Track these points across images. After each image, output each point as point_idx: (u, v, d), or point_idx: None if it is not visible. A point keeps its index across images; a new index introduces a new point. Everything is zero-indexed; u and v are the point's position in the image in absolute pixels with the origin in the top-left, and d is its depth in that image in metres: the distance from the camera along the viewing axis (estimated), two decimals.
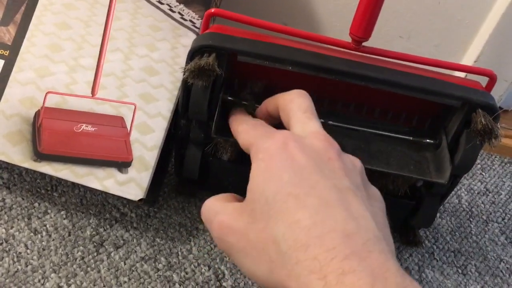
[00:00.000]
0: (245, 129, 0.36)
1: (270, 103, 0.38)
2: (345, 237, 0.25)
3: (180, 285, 0.44)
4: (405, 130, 0.45)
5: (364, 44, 0.41)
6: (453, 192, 0.55)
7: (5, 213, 0.46)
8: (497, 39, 0.60)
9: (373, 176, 0.45)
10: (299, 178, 0.28)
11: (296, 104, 0.35)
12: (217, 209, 0.32)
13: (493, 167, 0.63)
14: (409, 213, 0.49)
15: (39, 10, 0.48)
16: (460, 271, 0.51)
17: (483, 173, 0.62)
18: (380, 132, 0.44)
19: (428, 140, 0.44)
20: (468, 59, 0.63)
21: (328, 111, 0.44)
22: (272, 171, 0.29)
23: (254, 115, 0.42)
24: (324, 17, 0.64)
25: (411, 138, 0.44)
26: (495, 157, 0.65)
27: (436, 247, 0.52)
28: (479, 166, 0.63)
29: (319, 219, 0.26)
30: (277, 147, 0.30)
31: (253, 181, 0.30)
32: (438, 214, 0.54)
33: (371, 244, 0.25)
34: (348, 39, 0.41)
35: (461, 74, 0.57)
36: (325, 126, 0.43)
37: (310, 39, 0.42)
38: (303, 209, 0.27)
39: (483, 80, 0.42)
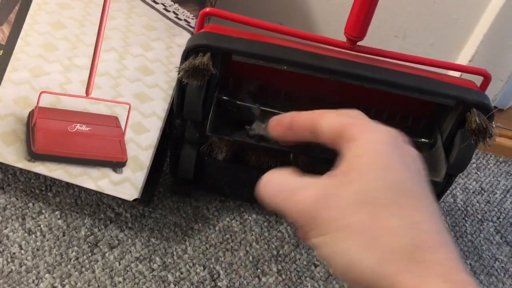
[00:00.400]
0: (328, 113, 0.32)
1: (306, 120, 0.33)
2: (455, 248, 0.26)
3: (175, 285, 0.44)
4: (400, 129, 0.45)
5: (359, 43, 0.41)
6: (448, 191, 0.55)
7: None
8: (491, 38, 0.60)
9: None
10: (415, 178, 0.28)
11: (351, 115, 0.32)
12: (296, 184, 0.29)
13: (488, 166, 0.63)
14: None
15: (33, 9, 0.48)
16: None
17: (478, 172, 0.62)
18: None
19: (423, 140, 0.44)
20: (463, 59, 0.63)
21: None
22: (386, 160, 0.27)
23: (254, 119, 0.42)
24: (320, 16, 0.64)
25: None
26: (490, 156, 0.65)
27: None
28: (474, 165, 0.63)
29: (438, 225, 0.27)
30: (389, 138, 0.29)
31: (363, 161, 0.27)
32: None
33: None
34: (343, 38, 0.41)
35: (456, 74, 0.57)
36: None
37: (305, 39, 0.42)
38: (422, 211, 0.26)
39: (478, 80, 0.42)
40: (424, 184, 0.28)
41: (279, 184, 0.30)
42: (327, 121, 0.31)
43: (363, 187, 0.27)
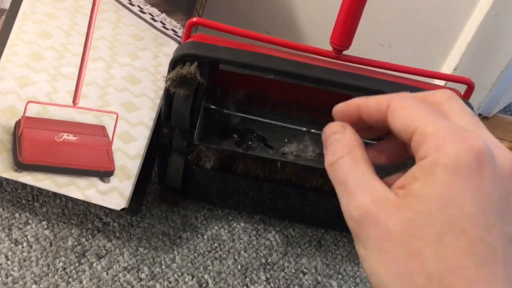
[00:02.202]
0: (405, 103, 0.27)
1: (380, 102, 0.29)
2: None
3: None
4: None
5: (344, 52, 0.42)
6: None
7: None
8: (475, 47, 0.61)
9: None
10: (479, 215, 0.24)
11: (459, 103, 0.27)
12: (362, 181, 0.26)
13: None
14: None
15: (20, 19, 0.48)
16: None
17: None
18: (364, 141, 0.44)
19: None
20: (447, 67, 0.64)
21: (310, 119, 0.45)
22: (453, 190, 0.24)
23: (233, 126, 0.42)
24: (306, 26, 0.65)
25: None
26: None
27: None
28: None
29: (482, 273, 0.23)
30: (469, 159, 0.24)
31: (426, 189, 0.24)
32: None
33: None
34: (329, 48, 0.42)
35: (441, 82, 0.58)
36: (308, 134, 0.44)
37: (292, 48, 0.42)
38: (471, 256, 0.23)
39: (463, 88, 0.43)
40: (490, 216, 0.24)
41: (347, 172, 0.27)
42: (400, 119, 0.27)
43: (415, 217, 0.24)
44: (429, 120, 0.25)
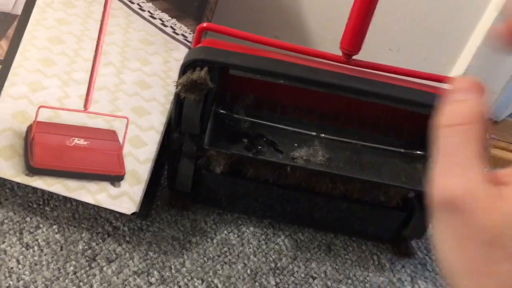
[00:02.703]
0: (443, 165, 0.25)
1: None
2: None
3: None
4: (397, 142, 0.45)
5: (354, 57, 0.42)
6: None
7: None
8: (484, 51, 0.60)
9: (365, 187, 0.46)
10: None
11: None
12: (469, 162, 0.23)
13: None
14: (401, 224, 0.49)
15: (32, 24, 0.48)
16: None
17: None
18: (372, 145, 0.44)
19: (419, 152, 0.44)
20: (457, 72, 0.64)
21: (320, 124, 0.45)
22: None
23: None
24: (315, 30, 0.65)
25: (402, 150, 0.45)
26: (485, 168, 0.65)
27: (429, 258, 0.52)
28: None
29: None
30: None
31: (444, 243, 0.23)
32: (430, 225, 0.54)
33: None
34: (339, 52, 0.42)
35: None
36: (317, 139, 0.44)
37: (302, 53, 0.42)
38: None
39: None
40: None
41: (457, 144, 0.24)
42: None
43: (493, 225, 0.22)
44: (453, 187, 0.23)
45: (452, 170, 0.24)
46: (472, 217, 0.22)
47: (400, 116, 0.44)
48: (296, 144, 0.43)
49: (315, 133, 0.44)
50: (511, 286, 0.21)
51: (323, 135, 0.44)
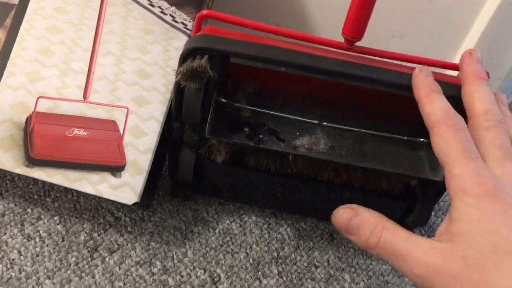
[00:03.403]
0: (445, 135, 0.32)
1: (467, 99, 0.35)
2: None
3: None
4: (400, 129, 0.45)
5: (357, 44, 0.41)
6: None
7: None
8: (489, 37, 0.60)
9: (368, 176, 0.45)
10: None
11: (492, 136, 0.32)
12: (409, 244, 0.31)
13: None
14: (404, 212, 0.49)
15: (29, 14, 0.47)
16: None
17: None
18: (374, 132, 0.44)
19: (422, 139, 0.44)
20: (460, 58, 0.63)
21: (322, 112, 0.44)
22: (488, 222, 0.29)
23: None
24: (317, 17, 0.64)
25: (405, 137, 0.44)
26: None
27: None
28: None
29: None
30: (490, 197, 0.29)
31: (464, 226, 0.29)
32: (433, 213, 0.54)
33: None
34: (341, 39, 0.41)
35: (455, 73, 0.57)
36: (320, 127, 0.43)
37: (303, 40, 0.42)
38: None
39: None
40: None
41: (393, 244, 0.31)
42: (437, 147, 0.33)
43: (467, 253, 0.28)
44: (458, 161, 0.30)
45: (409, 254, 0.30)
46: (446, 270, 0.29)
47: (402, 103, 0.43)
48: (298, 133, 0.42)
49: (317, 122, 0.44)
50: None
51: (325, 123, 0.44)
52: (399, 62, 0.42)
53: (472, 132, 0.33)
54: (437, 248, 0.30)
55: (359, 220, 0.34)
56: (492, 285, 0.27)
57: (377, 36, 0.63)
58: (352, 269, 0.49)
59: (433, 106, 0.34)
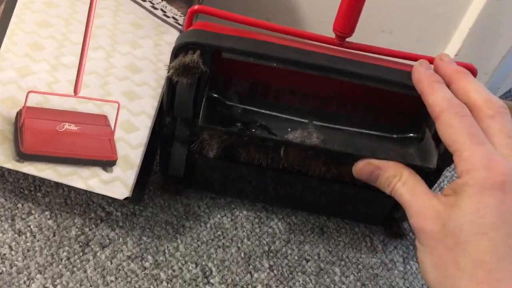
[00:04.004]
0: (451, 122, 0.33)
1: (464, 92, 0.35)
2: None
3: (167, 283, 0.44)
4: (389, 126, 0.45)
5: (347, 39, 0.41)
6: (436, 185, 0.56)
7: None
8: (477, 33, 0.60)
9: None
10: (500, 222, 0.30)
11: (498, 124, 0.33)
12: (417, 198, 0.35)
13: None
14: (394, 207, 0.49)
15: (19, 8, 0.47)
16: None
17: None
18: (365, 131, 0.44)
19: (411, 134, 0.44)
20: (449, 53, 0.64)
21: (312, 110, 0.44)
22: (479, 204, 0.30)
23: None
24: (308, 13, 0.64)
25: (394, 135, 0.44)
26: None
27: None
28: None
29: (502, 266, 0.29)
30: (493, 183, 0.30)
31: (458, 200, 0.31)
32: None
33: None
34: (332, 35, 0.41)
35: None
36: (311, 125, 0.43)
37: (294, 35, 0.42)
38: (492, 253, 0.29)
39: None
40: (510, 223, 0.30)
41: (404, 195, 0.36)
42: (445, 135, 0.34)
43: (448, 222, 0.31)
44: (467, 146, 0.31)
45: (413, 207, 0.35)
46: (429, 228, 0.33)
47: (392, 99, 0.44)
48: (289, 129, 0.43)
49: (308, 120, 0.44)
50: None
51: (315, 122, 0.44)
52: (390, 58, 0.43)
53: (478, 123, 0.34)
54: (432, 207, 0.33)
55: (379, 172, 0.38)
56: (455, 257, 0.30)
57: (367, 32, 0.64)
58: (342, 263, 0.49)
59: (436, 96, 0.35)
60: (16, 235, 0.45)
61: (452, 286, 0.30)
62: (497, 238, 0.29)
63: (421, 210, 0.33)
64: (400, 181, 0.36)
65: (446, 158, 0.42)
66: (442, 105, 0.34)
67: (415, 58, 0.43)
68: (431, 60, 0.44)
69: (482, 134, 0.32)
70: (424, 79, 0.37)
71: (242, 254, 0.48)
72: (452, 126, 0.33)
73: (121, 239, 0.46)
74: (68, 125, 0.44)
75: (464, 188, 0.31)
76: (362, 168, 0.40)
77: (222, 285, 0.45)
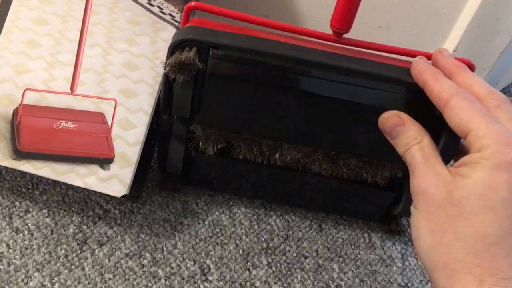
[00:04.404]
0: (463, 104, 0.33)
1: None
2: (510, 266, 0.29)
3: (165, 281, 0.44)
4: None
5: (345, 36, 0.41)
6: None
7: None
8: (475, 28, 0.60)
9: (357, 167, 0.46)
10: (510, 198, 0.29)
11: (505, 113, 0.33)
12: (426, 164, 0.33)
13: None
14: (392, 203, 0.49)
15: (15, 5, 0.47)
16: None
17: None
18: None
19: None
20: (447, 49, 0.64)
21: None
22: (492, 177, 0.30)
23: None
24: (305, 9, 0.64)
25: None
26: None
27: None
28: None
29: (505, 242, 0.29)
30: (510, 158, 0.30)
31: (470, 171, 0.31)
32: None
33: None
34: (329, 31, 0.41)
35: None
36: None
37: (291, 32, 0.42)
38: (496, 228, 0.29)
39: None
40: None
41: (416, 158, 0.34)
42: (455, 119, 0.33)
43: (456, 191, 0.31)
44: (482, 125, 0.31)
45: (421, 172, 0.34)
46: (432, 193, 0.32)
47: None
48: None
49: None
50: None
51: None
52: (387, 54, 0.43)
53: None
54: (440, 175, 0.32)
55: (403, 129, 0.36)
56: (456, 225, 0.30)
57: (365, 28, 0.64)
58: (341, 259, 0.49)
59: (442, 84, 0.35)
60: (13, 233, 0.45)
61: (448, 255, 0.30)
62: (504, 214, 0.29)
63: (429, 174, 0.32)
64: (419, 145, 0.35)
65: (445, 155, 0.42)
66: (450, 92, 0.34)
67: (413, 54, 0.43)
68: (428, 57, 0.44)
69: (494, 115, 0.32)
70: (426, 71, 0.37)
71: (240, 251, 0.48)
72: (463, 108, 0.32)
73: (119, 237, 0.46)
74: (65, 122, 0.44)
75: (479, 161, 0.30)
76: (389, 118, 0.38)
77: (220, 282, 0.45)
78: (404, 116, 0.37)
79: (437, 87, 0.35)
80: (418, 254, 0.32)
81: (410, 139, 0.35)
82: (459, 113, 0.32)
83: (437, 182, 0.32)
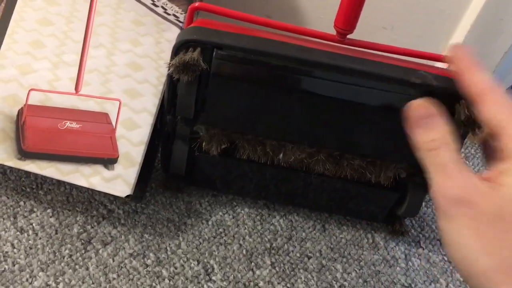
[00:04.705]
0: (501, 100, 0.31)
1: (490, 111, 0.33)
2: None
3: (169, 281, 0.44)
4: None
5: (349, 36, 0.41)
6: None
7: None
8: (479, 29, 0.60)
9: (361, 167, 0.46)
10: None
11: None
12: (459, 168, 0.31)
13: (477, 156, 0.64)
14: (395, 204, 0.49)
15: (20, 6, 0.47)
16: (446, 258, 0.51)
17: (467, 162, 0.63)
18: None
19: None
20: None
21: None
22: None
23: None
24: (309, 9, 0.64)
25: None
26: (479, 146, 0.65)
27: (422, 235, 0.53)
28: (462, 154, 0.64)
29: None
30: None
31: (508, 181, 0.29)
32: (423, 204, 0.55)
33: None
34: (333, 31, 0.41)
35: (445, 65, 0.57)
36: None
37: (295, 32, 0.42)
38: None
39: None
40: None
41: (446, 158, 0.31)
42: (491, 111, 0.31)
43: (504, 204, 0.29)
44: (506, 113, 0.30)
45: (454, 174, 0.31)
46: (478, 206, 0.29)
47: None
48: None
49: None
50: None
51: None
52: (391, 55, 0.43)
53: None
54: (480, 186, 0.30)
55: (430, 122, 0.33)
56: (510, 240, 0.28)
57: (368, 28, 0.64)
58: (344, 259, 0.49)
59: (483, 74, 0.34)
60: (18, 233, 0.45)
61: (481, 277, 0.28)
62: None
63: (467, 182, 0.30)
64: (449, 146, 0.32)
65: None
66: (489, 83, 0.33)
67: (416, 54, 0.43)
68: (437, 58, 0.44)
69: None
70: (466, 59, 0.36)
71: (244, 251, 0.48)
72: (501, 104, 0.31)
73: (123, 237, 0.46)
74: (70, 123, 0.44)
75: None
76: (420, 105, 0.35)
77: (224, 282, 0.45)
78: (439, 110, 0.34)
79: (476, 76, 0.34)
80: (471, 275, 0.29)
81: (439, 135, 0.33)
82: (494, 106, 0.31)
83: (480, 193, 0.29)
